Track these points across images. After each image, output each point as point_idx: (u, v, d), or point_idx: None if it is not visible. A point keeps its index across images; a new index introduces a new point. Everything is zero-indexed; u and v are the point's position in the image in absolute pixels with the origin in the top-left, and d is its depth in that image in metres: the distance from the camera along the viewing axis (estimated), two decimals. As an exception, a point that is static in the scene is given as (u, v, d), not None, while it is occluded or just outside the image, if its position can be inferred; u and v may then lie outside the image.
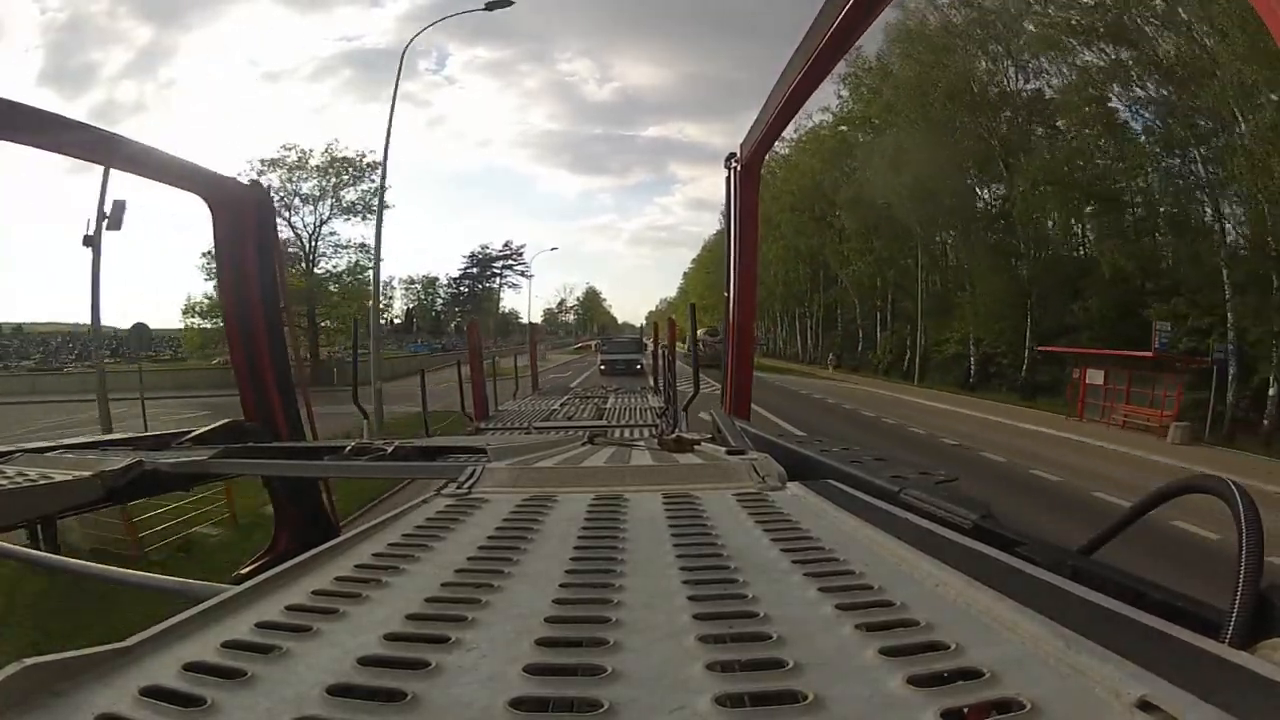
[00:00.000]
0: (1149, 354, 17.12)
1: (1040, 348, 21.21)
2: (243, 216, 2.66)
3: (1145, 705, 0.41)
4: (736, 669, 0.49)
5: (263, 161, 30.45)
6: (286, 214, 29.53)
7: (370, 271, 20.65)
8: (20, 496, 1.40)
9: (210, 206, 2.63)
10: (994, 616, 0.55)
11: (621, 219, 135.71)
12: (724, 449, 1.79)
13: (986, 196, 22.79)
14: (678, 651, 0.52)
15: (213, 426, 2.45)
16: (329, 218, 28.56)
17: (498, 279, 44.21)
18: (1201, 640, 0.50)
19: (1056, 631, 0.50)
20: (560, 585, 0.68)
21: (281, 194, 28.69)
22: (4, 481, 1.45)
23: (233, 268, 2.68)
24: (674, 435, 2.27)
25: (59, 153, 2.20)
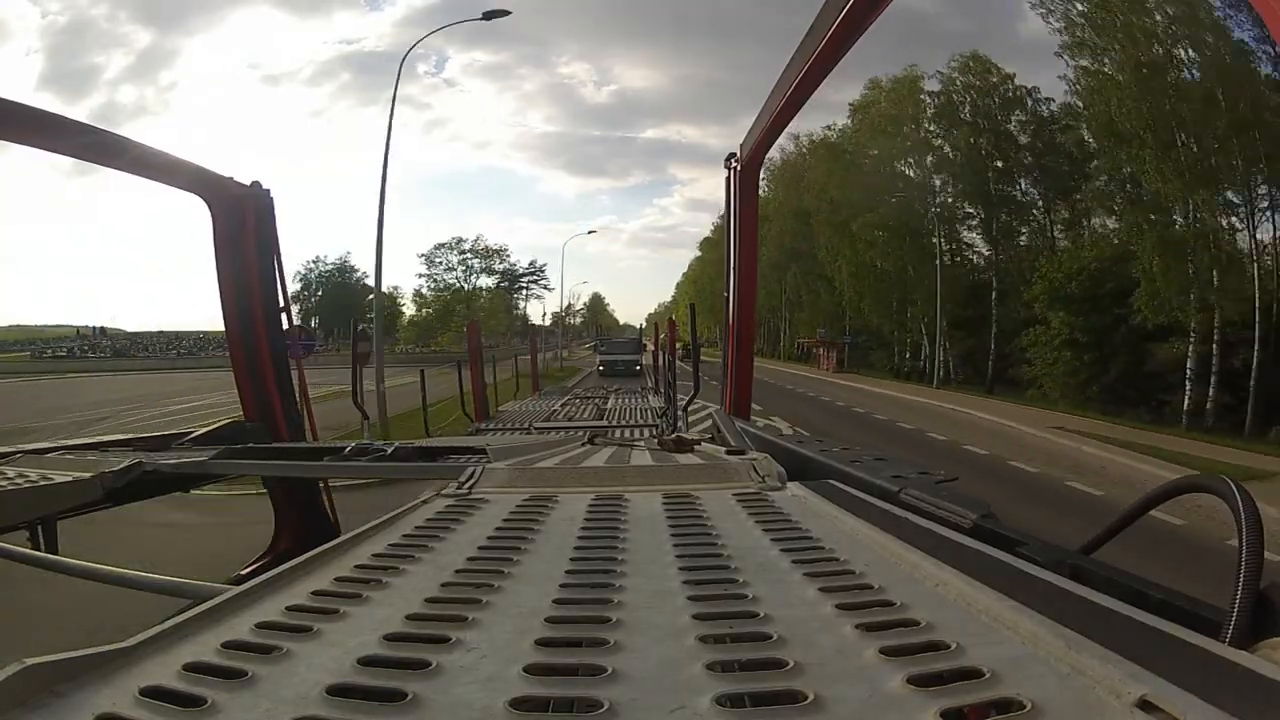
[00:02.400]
0: (816, 340, 37.16)
1: (798, 340, 41.46)
2: (242, 216, 2.66)
3: (1145, 705, 0.41)
4: (736, 669, 0.49)
5: (437, 245, 52.35)
6: (456, 270, 52.84)
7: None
8: (20, 497, 1.40)
9: (210, 206, 2.63)
10: (994, 616, 0.55)
11: (621, 220, 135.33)
12: (724, 449, 1.79)
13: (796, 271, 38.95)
14: (678, 651, 0.52)
15: (212, 427, 2.45)
16: (478, 274, 52.42)
17: (525, 291, 60.33)
18: (1201, 640, 0.50)
19: (1056, 631, 0.50)
20: (560, 585, 0.68)
21: (456, 265, 51.73)
22: (4, 482, 1.45)
23: (232, 268, 2.67)
24: (674, 435, 2.27)
25: (59, 153, 2.20)
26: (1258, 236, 16.99)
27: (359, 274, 63.85)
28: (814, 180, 32.42)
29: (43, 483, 1.47)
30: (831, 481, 1.21)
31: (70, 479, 1.51)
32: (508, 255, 55.25)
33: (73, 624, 3.60)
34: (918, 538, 0.80)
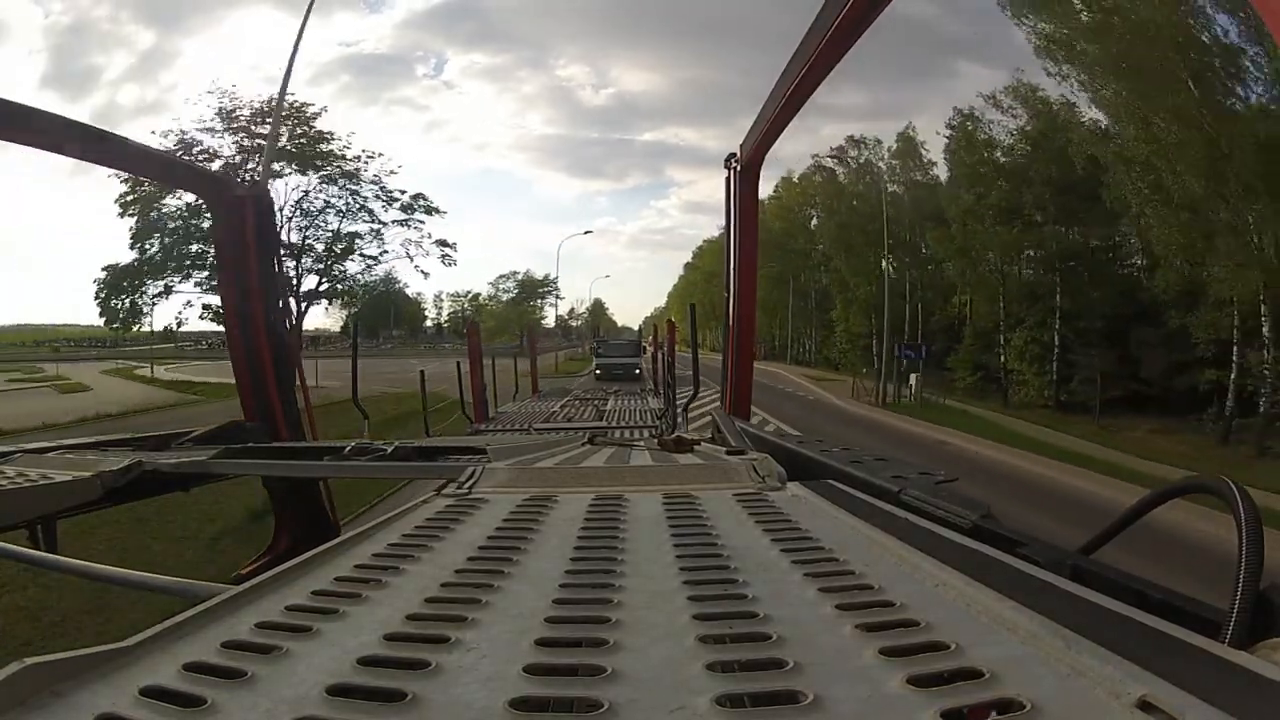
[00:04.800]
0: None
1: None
2: (243, 216, 2.66)
3: (1145, 705, 0.41)
4: (736, 669, 0.49)
5: (499, 275, 59.79)
6: (512, 293, 64.11)
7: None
8: (20, 497, 1.40)
9: (210, 206, 2.63)
10: (994, 616, 0.55)
11: (619, 222, 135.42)
12: (724, 449, 1.79)
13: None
14: (678, 651, 0.52)
15: (213, 427, 2.45)
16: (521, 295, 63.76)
17: (540, 300, 68.49)
18: (1201, 640, 0.50)
19: (1056, 631, 0.50)
20: (560, 585, 0.68)
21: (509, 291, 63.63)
22: (4, 482, 1.45)
23: (233, 267, 2.68)
24: (674, 435, 2.27)
25: (61, 153, 2.21)
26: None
27: (400, 284, 75.82)
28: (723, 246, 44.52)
29: (43, 482, 1.47)
30: (831, 482, 1.21)
31: (70, 478, 1.51)
32: (549, 281, 66.08)
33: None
34: (918, 538, 0.80)
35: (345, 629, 0.57)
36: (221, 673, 0.49)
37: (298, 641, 0.54)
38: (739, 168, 3.57)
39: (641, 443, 2.34)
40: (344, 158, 24.38)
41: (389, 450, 1.82)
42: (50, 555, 1.46)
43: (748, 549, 0.79)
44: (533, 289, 63.84)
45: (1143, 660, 0.45)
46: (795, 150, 39.78)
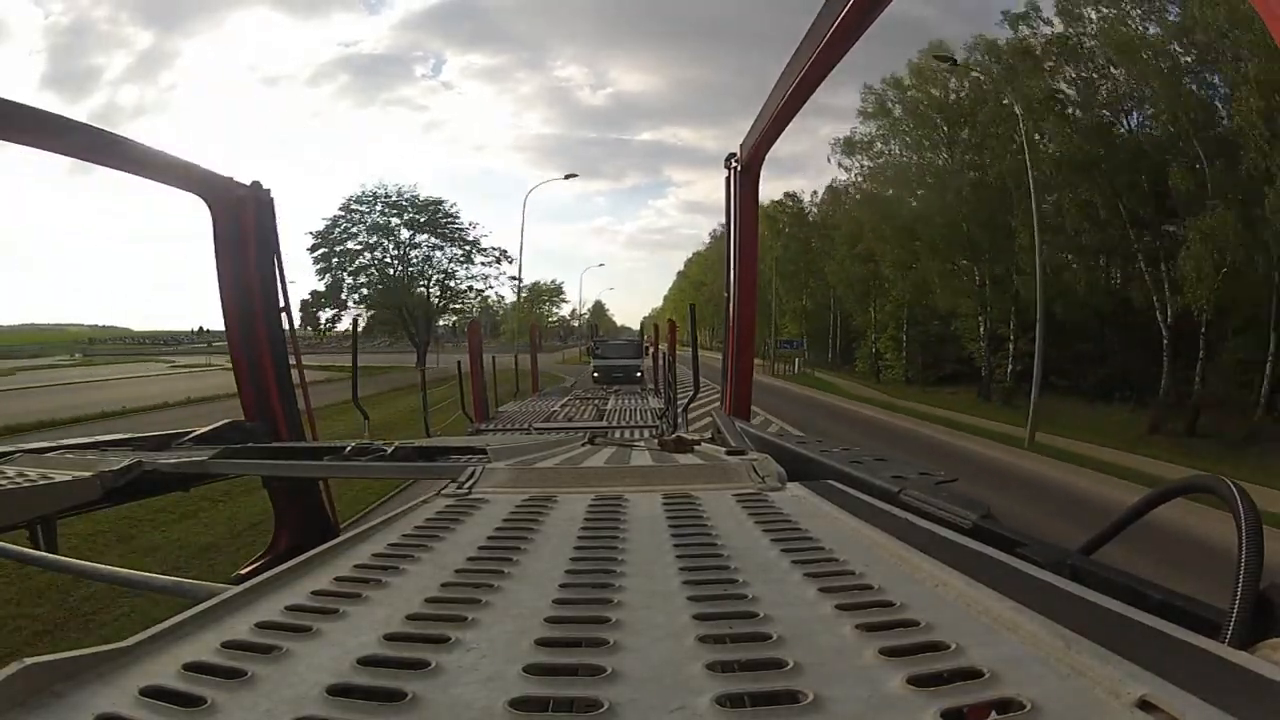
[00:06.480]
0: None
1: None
2: (243, 216, 2.66)
3: (1145, 705, 0.41)
4: (736, 669, 0.49)
5: (523, 286, 64.52)
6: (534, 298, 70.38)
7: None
8: (20, 497, 1.40)
9: (210, 206, 2.63)
10: (994, 616, 0.55)
11: (617, 222, 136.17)
12: (724, 449, 1.79)
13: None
14: (678, 651, 0.52)
15: (213, 426, 2.45)
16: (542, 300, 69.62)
17: (547, 304, 72.58)
18: (1201, 640, 0.50)
19: (1056, 631, 0.50)
20: (560, 585, 0.68)
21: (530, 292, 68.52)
22: (4, 482, 1.45)
23: (233, 268, 2.68)
24: (674, 436, 2.27)
25: (60, 153, 2.21)
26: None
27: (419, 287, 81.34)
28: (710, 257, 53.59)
29: (42, 482, 1.47)
30: (831, 482, 1.21)
31: (70, 478, 1.51)
32: (557, 287, 72.85)
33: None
34: (918, 538, 0.80)
35: (345, 629, 0.57)
36: (221, 673, 0.49)
37: (298, 641, 0.54)
38: (739, 168, 3.57)
39: (642, 443, 2.34)
40: (462, 228, 41.86)
41: (389, 450, 1.82)
42: (50, 555, 1.46)
43: (748, 549, 0.79)
44: (541, 295, 67.44)
45: (1143, 660, 0.45)
46: (795, 150, 43.12)
